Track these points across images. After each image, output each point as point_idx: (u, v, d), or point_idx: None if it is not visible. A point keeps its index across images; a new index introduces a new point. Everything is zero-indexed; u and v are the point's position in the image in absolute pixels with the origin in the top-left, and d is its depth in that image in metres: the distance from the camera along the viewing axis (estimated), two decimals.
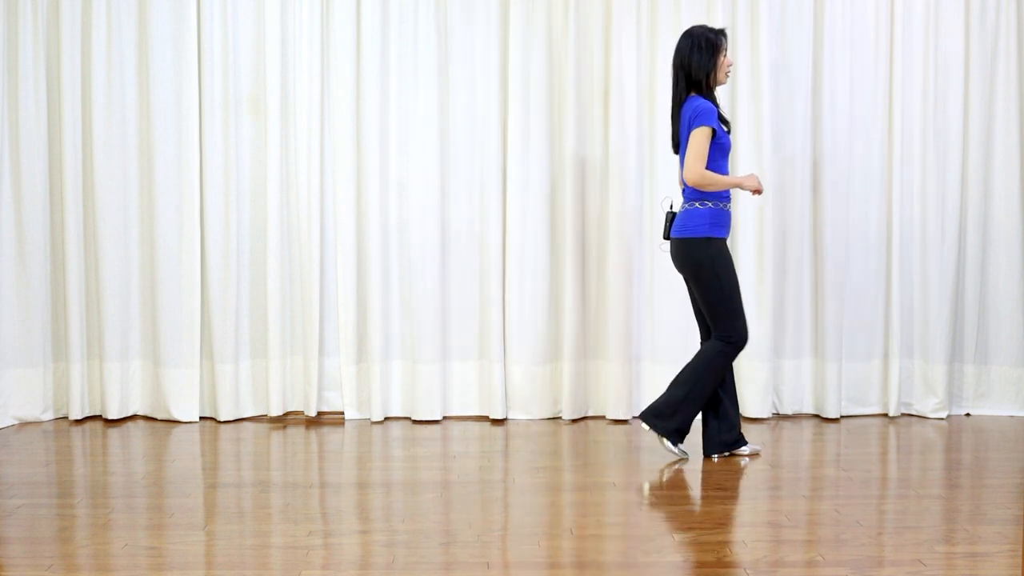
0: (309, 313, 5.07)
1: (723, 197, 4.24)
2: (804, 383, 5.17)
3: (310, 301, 5.06)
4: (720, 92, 5.00)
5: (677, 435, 4.32)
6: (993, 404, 5.22)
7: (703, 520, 3.56)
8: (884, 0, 5.08)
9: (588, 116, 5.05)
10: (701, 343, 4.43)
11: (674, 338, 5.07)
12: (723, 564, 3.11)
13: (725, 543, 3.30)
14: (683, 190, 4.31)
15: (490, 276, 5.06)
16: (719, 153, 4.22)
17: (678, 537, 3.36)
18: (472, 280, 5.12)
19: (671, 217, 4.35)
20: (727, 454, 4.39)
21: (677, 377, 4.31)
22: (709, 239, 4.22)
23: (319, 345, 5.10)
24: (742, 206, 5.05)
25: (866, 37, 5.09)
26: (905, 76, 5.07)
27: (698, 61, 4.22)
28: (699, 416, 4.44)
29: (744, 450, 4.39)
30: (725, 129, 4.27)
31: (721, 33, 4.27)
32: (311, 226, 5.05)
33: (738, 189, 4.39)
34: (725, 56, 4.27)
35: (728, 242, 5.08)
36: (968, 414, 5.22)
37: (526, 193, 5.06)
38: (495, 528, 3.45)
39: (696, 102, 4.20)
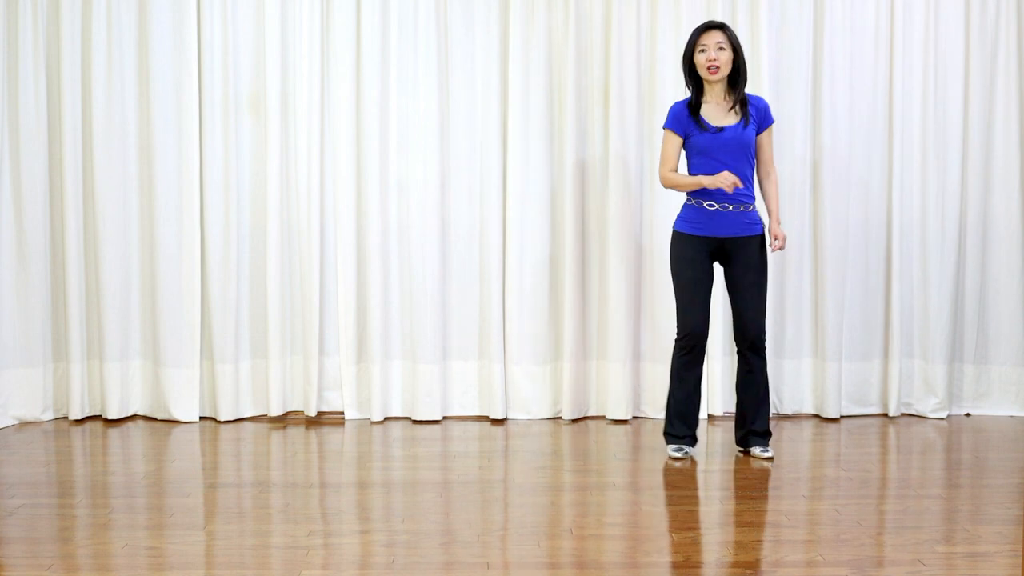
0: (309, 313, 5.07)
1: (704, 195, 4.21)
2: (804, 383, 5.17)
3: (310, 301, 5.06)
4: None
5: (665, 437, 4.43)
6: (993, 404, 5.22)
7: (703, 520, 3.56)
8: (884, 0, 5.08)
9: (588, 116, 5.05)
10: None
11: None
12: (723, 564, 3.11)
13: (725, 543, 3.30)
14: None
15: (490, 276, 5.06)
16: (692, 152, 4.27)
17: (678, 537, 3.36)
18: (472, 280, 5.12)
19: None
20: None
21: None
22: (676, 233, 4.31)
23: (319, 345, 5.10)
24: None
25: (866, 36, 5.09)
26: (905, 75, 5.07)
27: (684, 60, 4.29)
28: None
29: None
30: (701, 129, 4.21)
31: (698, 29, 4.24)
32: (311, 226, 5.05)
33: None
34: (703, 52, 4.21)
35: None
36: (968, 414, 5.22)
37: (526, 193, 5.06)
38: (495, 528, 3.45)
39: (675, 103, 4.34)
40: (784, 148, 5.07)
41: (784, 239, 4.27)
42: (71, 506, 3.69)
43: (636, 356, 5.12)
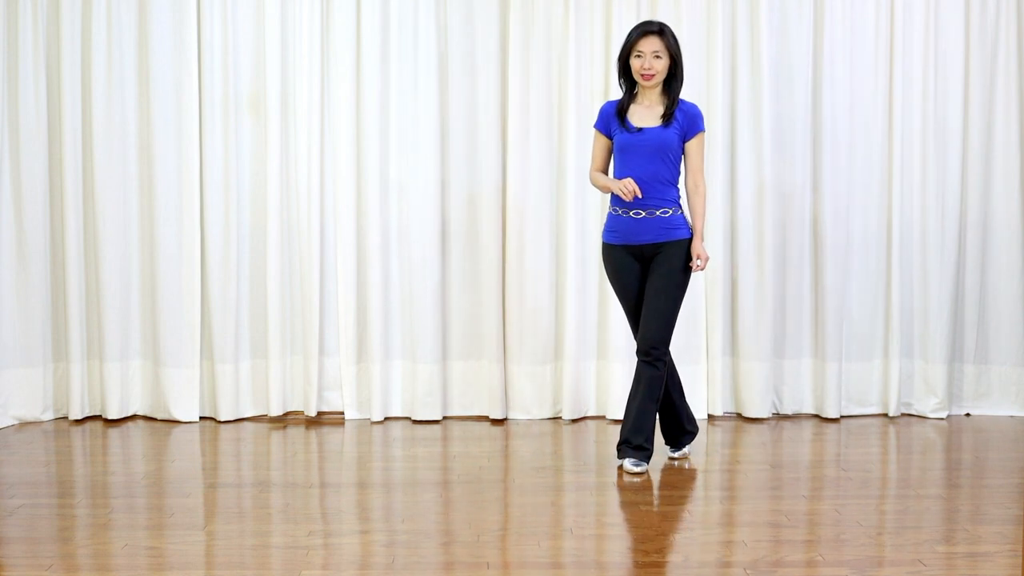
0: (309, 313, 5.07)
1: (617, 202, 4.14)
2: (804, 383, 5.17)
3: (310, 301, 5.06)
4: (720, 91, 5.02)
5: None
6: (993, 404, 5.22)
7: (703, 520, 3.56)
8: (884, 0, 5.08)
9: (588, 116, 5.05)
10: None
11: (674, 338, 5.06)
12: (723, 564, 3.11)
13: (725, 543, 3.30)
14: None
15: (490, 276, 5.06)
16: (615, 151, 4.18)
17: (678, 537, 3.36)
18: (472, 280, 5.12)
19: None
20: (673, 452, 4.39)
21: None
22: (602, 244, 4.24)
23: (319, 345, 5.10)
24: (743, 205, 5.05)
25: (866, 37, 5.09)
26: (905, 76, 5.07)
27: (619, 58, 4.18)
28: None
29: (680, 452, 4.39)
30: (624, 129, 4.12)
31: (638, 31, 4.09)
32: (311, 226, 5.05)
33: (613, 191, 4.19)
34: (639, 57, 4.07)
35: (728, 242, 5.09)
36: (968, 414, 5.22)
37: (526, 192, 5.06)
38: (495, 528, 3.45)
39: (606, 102, 4.28)
40: (784, 148, 5.07)
41: (706, 259, 4.06)
42: (71, 506, 3.69)
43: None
